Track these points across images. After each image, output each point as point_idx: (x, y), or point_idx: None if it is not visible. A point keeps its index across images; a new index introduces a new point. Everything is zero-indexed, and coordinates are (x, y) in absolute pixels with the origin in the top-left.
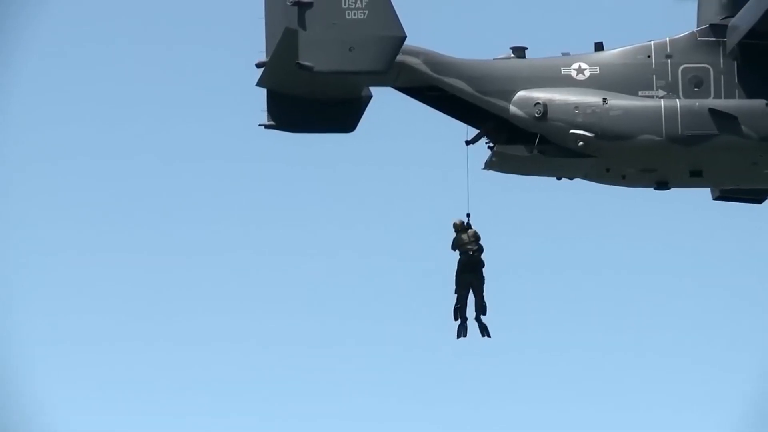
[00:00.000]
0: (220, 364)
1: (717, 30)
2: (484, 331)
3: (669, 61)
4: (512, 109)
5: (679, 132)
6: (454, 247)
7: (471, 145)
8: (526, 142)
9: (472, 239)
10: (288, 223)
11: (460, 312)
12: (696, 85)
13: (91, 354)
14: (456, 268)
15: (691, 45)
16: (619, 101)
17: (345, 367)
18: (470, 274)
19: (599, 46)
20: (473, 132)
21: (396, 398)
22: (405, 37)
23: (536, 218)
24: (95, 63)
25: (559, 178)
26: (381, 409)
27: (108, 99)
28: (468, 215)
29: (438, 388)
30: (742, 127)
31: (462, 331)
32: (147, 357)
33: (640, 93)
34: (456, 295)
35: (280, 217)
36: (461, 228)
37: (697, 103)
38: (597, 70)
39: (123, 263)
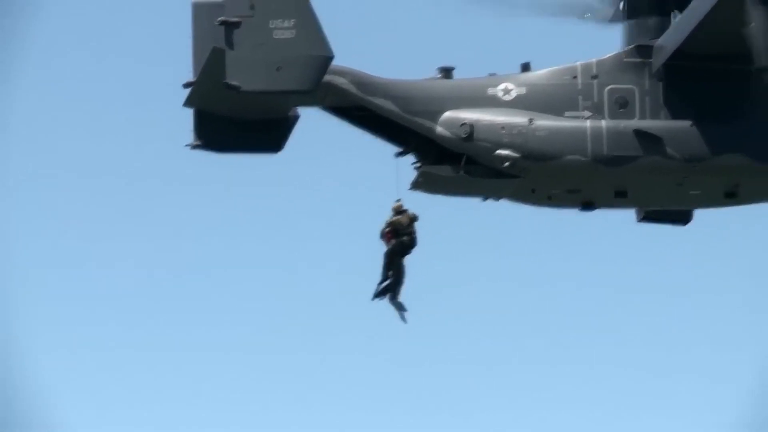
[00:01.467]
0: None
1: (643, 51)
2: (401, 308)
3: (595, 81)
4: (439, 129)
5: (605, 153)
6: (392, 231)
7: (400, 157)
8: (452, 163)
9: (411, 223)
10: (214, 241)
11: (385, 290)
12: (621, 105)
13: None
14: (390, 249)
15: (617, 66)
16: (545, 122)
17: (269, 379)
18: (400, 258)
19: (526, 67)
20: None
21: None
22: (332, 56)
23: (462, 237)
24: (20, 81)
25: (485, 199)
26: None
27: (33, 118)
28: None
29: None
30: (667, 148)
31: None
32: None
33: (566, 114)
34: (383, 276)
35: (206, 236)
36: (401, 212)
37: (622, 123)
38: (523, 90)
39: (48, 278)
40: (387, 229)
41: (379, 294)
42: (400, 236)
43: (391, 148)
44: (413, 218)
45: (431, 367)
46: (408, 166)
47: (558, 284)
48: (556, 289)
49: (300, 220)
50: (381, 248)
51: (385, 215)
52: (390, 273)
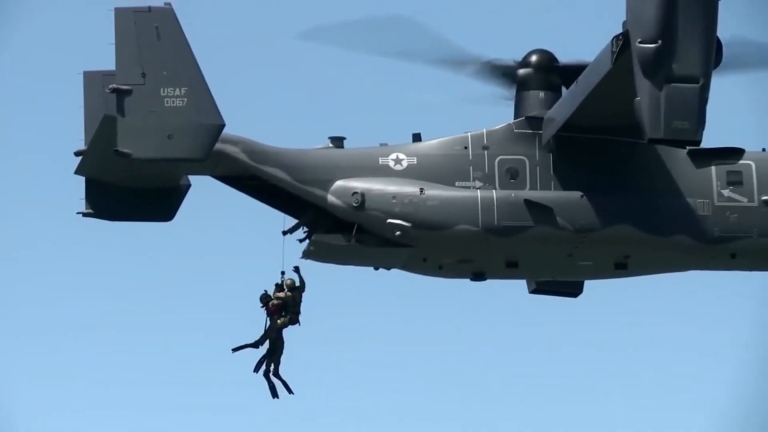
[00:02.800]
0: None
1: (533, 122)
2: (287, 387)
3: (486, 152)
4: (330, 198)
5: (495, 223)
6: (281, 306)
7: (288, 234)
8: (344, 232)
9: (297, 302)
10: (104, 309)
11: (267, 371)
12: (512, 176)
13: None
14: (273, 325)
15: (508, 137)
16: (436, 191)
17: None
18: (281, 332)
19: (417, 137)
20: (291, 221)
21: None
22: (223, 125)
23: (353, 306)
24: None
25: (376, 268)
26: None
27: None
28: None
29: None
30: (558, 218)
31: (274, 391)
32: None
33: (457, 183)
34: (261, 349)
35: (96, 303)
36: (293, 288)
37: (513, 194)
38: (415, 160)
39: None
40: (276, 303)
41: (240, 348)
42: (287, 312)
43: (282, 217)
44: (299, 296)
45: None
46: (300, 234)
47: (447, 350)
48: (444, 354)
49: (188, 287)
50: (262, 316)
51: (271, 285)
52: (265, 342)
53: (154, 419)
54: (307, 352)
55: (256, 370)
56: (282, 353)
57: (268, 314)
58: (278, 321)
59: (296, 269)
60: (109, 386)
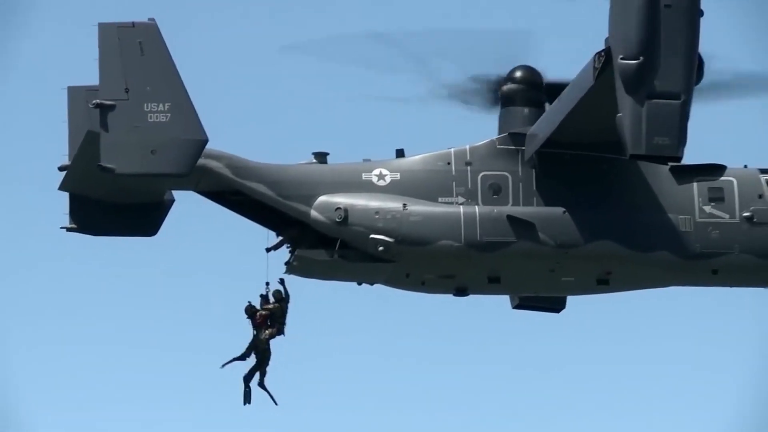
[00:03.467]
0: None
1: (516, 138)
2: (272, 397)
3: (468, 168)
4: (313, 213)
5: (478, 238)
6: (267, 317)
7: (272, 251)
8: (327, 247)
9: (284, 313)
10: (87, 323)
11: (249, 379)
12: (495, 192)
13: None
14: (260, 335)
15: (491, 153)
16: (419, 207)
17: None
18: (268, 342)
19: (400, 153)
20: (275, 237)
21: None
22: (207, 140)
23: (336, 322)
24: None
25: (359, 283)
26: None
27: None
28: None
29: None
30: (540, 234)
31: (248, 397)
32: None
33: (440, 199)
34: (247, 361)
35: (80, 318)
36: (280, 300)
37: (495, 209)
38: (398, 176)
39: None
40: (264, 314)
41: (228, 363)
42: (273, 323)
43: (266, 232)
44: (285, 307)
45: None
46: (284, 250)
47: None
48: (424, 372)
49: (172, 302)
50: (247, 329)
51: (255, 299)
52: (252, 354)
53: None
54: (290, 366)
55: (247, 380)
56: (268, 364)
57: (254, 326)
58: (266, 332)
59: (281, 281)
60: (94, 401)
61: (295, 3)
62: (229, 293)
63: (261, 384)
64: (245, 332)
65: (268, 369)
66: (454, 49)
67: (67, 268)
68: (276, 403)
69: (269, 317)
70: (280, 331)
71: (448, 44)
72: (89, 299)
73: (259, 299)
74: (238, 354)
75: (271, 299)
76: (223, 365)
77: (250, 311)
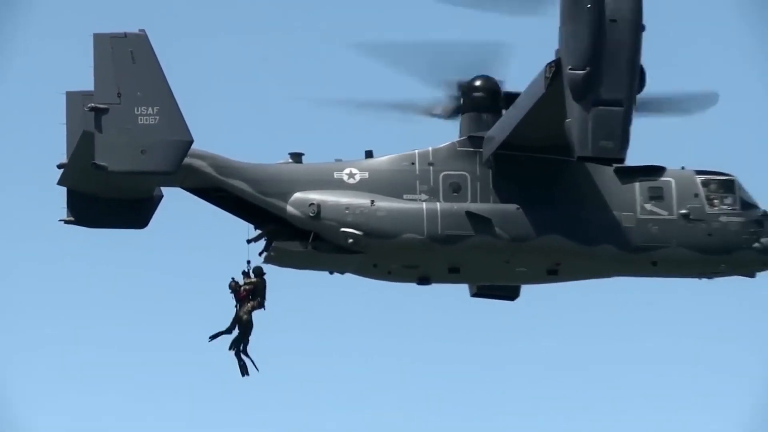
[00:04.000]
0: None
1: (474, 141)
2: (254, 364)
3: (431, 168)
4: (289, 209)
5: (439, 232)
6: (251, 291)
7: (252, 242)
8: (301, 239)
9: (264, 287)
10: (82, 312)
11: (237, 349)
12: (455, 190)
13: None
14: (244, 309)
15: (451, 154)
16: (385, 203)
17: None
18: (251, 315)
19: (369, 154)
20: (254, 229)
21: None
22: (192, 141)
23: (310, 310)
24: None
25: (331, 273)
26: None
27: None
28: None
29: None
30: (496, 228)
31: (244, 369)
32: None
33: (404, 196)
34: (234, 333)
35: (79, 303)
36: (260, 275)
37: (455, 206)
38: (366, 175)
39: None
40: (247, 287)
41: (215, 336)
42: (255, 296)
43: (246, 226)
44: (264, 282)
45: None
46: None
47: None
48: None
49: (160, 288)
50: (230, 309)
51: (239, 277)
52: (237, 326)
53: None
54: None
55: (231, 349)
56: (251, 334)
57: (238, 300)
58: (248, 305)
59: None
60: (91, 384)
61: (271, 17)
62: (213, 280)
63: (245, 352)
64: (229, 312)
65: (250, 339)
66: (421, 60)
67: (64, 257)
68: (258, 369)
69: (251, 292)
70: (261, 305)
71: (416, 54)
72: (84, 287)
73: (241, 276)
74: (224, 328)
75: (252, 275)
76: (211, 338)
77: (234, 287)
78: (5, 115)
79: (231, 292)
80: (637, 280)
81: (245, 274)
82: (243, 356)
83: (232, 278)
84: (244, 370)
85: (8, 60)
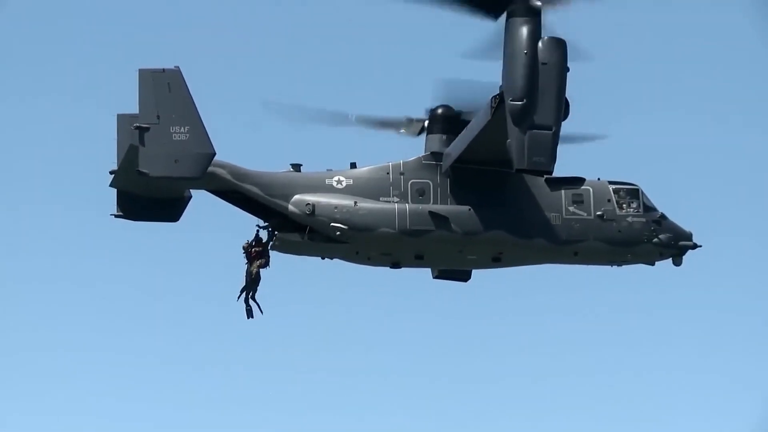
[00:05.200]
0: None
1: (436, 156)
2: (259, 307)
3: (402, 177)
4: (290, 207)
5: (407, 227)
6: (261, 252)
7: (262, 230)
8: (300, 232)
9: (269, 249)
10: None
11: (245, 291)
12: (420, 194)
13: None
14: (254, 265)
15: (417, 166)
16: (366, 204)
17: None
18: (259, 270)
19: (353, 165)
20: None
21: None
22: (214, 153)
23: (308, 291)
24: None
25: (323, 258)
26: None
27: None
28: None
29: None
30: (452, 225)
31: (251, 313)
32: None
33: (381, 198)
34: (245, 285)
35: (123, 277)
36: (271, 238)
37: (420, 207)
38: (351, 181)
39: None
40: (258, 249)
41: (241, 295)
42: (262, 256)
43: (256, 221)
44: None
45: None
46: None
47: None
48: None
49: (190, 265)
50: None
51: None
52: (248, 278)
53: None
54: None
55: (240, 295)
56: (258, 285)
57: (249, 258)
58: (257, 262)
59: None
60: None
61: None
62: (231, 259)
63: (253, 298)
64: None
65: (258, 288)
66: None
67: (115, 244)
68: (262, 312)
69: (260, 253)
70: (267, 263)
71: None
72: (131, 271)
73: (253, 241)
74: (243, 286)
75: (262, 239)
76: (239, 298)
77: (247, 248)
78: (71, 131)
79: (244, 253)
80: (562, 266)
81: (257, 240)
82: (251, 301)
83: (246, 241)
84: (249, 314)
85: (75, 89)
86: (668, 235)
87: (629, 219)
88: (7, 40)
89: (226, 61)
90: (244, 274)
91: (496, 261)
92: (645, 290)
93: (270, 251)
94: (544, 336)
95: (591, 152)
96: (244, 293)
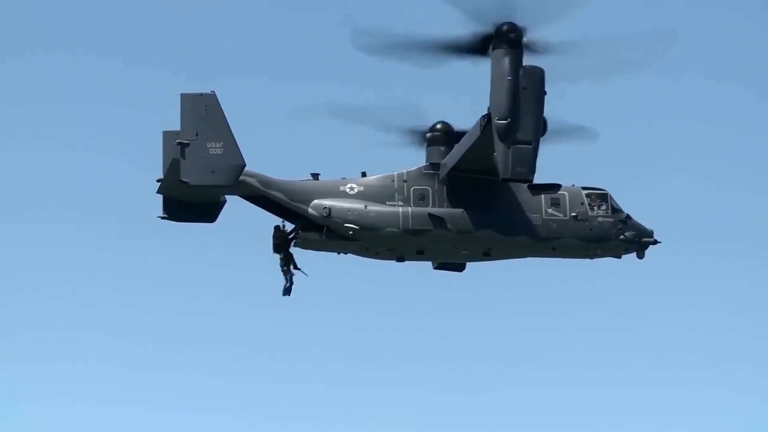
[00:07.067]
0: None
1: (434, 166)
2: (303, 271)
3: (405, 184)
4: (310, 210)
5: (410, 227)
6: (287, 241)
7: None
8: (319, 231)
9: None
10: (170, 285)
11: (288, 268)
12: (421, 199)
13: None
14: (287, 250)
15: (419, 175)
16: (375, 207)
17: None
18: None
19: (364, 174)
20: (289, 225)
21: None
22: (245, 165)
23: (321, 282)
24: (25, 170)
25: (338, 253)
26: None
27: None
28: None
29: None
30: (448, 225)
31: (289, 290)
32: None
33: (387, 203)
34: (284, 264)
35: (163, 279)
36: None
37: (421, 210)
38: (362, 188)
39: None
40: (280, 241)
41: (285, 289)
42: (288, 245)
43: (282, 221)
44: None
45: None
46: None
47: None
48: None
49: (225, 260)
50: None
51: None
52: (283, 254)
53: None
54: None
55: (282, 268)
56: (293, 258)
57: (278, 241)
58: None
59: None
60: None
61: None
62: (259, 252)
63: (295, 266)
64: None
65: (295, 260)
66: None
67: (162, 241)
68: (306, 275)
69: (287, 236)
70: (297, 238)
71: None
72: (175, 267)
73: (280, 228)
74: (285, 281)
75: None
76: (283, 294)
77: (277, 231)
78: (127, 147)
79: (273, 234)
80: (542, 260)
81: (283, 228)
82: (293, 270)
83: (276, 225)
84: (287, 292)
85: (129, 110)
86: (633, 232)
87: (599, 219)
88: (77, 70)
89: (255, 80)
90: (282, 271)
91: (486, 255)
92: (612, 280)
93: (292, 238)
94: (526, 323)
95: (567, 160)
96: (284, 264)
